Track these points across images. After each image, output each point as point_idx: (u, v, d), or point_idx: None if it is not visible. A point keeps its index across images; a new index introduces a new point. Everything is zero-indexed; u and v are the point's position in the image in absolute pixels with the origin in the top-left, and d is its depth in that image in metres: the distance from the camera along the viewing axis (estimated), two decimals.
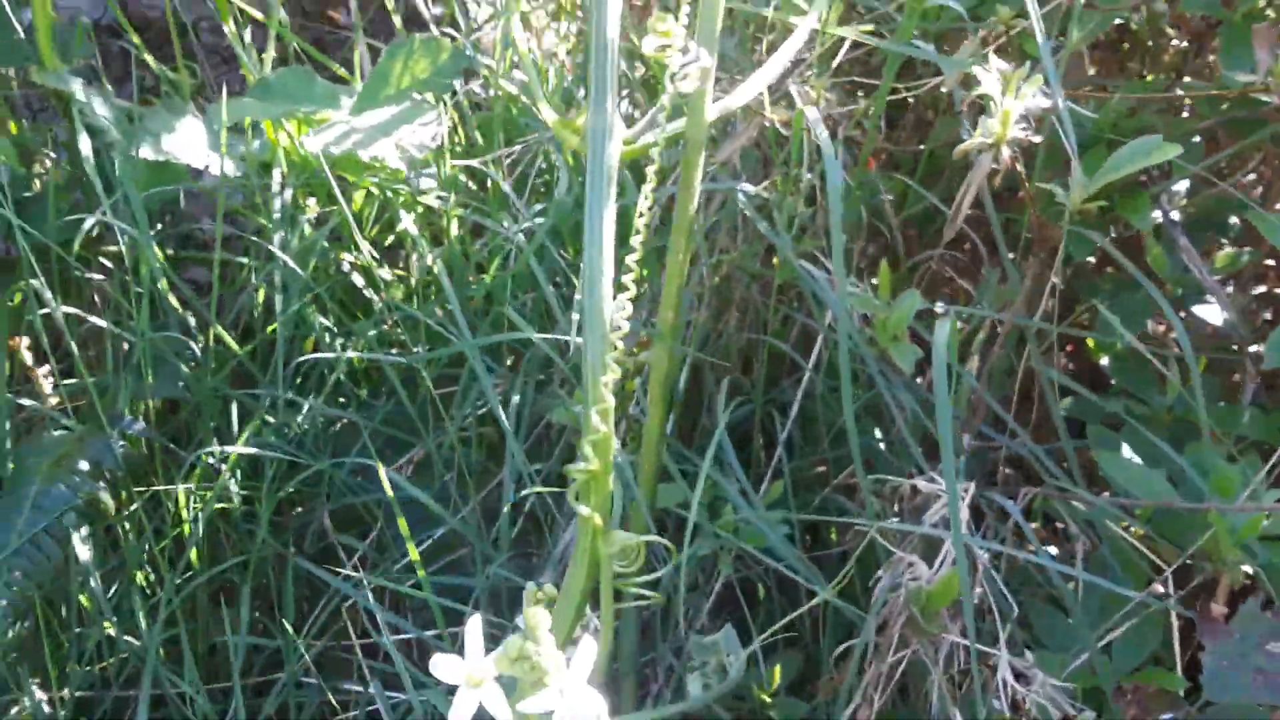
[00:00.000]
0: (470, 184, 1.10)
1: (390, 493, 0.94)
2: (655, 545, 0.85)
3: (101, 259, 1.13)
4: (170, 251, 1.28)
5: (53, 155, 1.32)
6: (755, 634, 0.84)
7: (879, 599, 0.77)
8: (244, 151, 1.13)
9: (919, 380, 0.92)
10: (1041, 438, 0.93)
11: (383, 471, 0.89)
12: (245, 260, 1.16)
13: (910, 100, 1.16)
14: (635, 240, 0.70)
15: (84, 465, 0.91)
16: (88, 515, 0.91)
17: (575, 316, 0.91)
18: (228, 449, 0.93)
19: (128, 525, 0.96)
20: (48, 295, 0.95)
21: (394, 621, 0.90)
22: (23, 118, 1.33)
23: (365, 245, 1.08)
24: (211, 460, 0.99)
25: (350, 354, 0.96)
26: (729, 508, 0.87)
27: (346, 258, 1.11)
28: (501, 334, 0.90)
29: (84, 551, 0.91)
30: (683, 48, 0.71)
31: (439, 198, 0.99)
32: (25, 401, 1.02)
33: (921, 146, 1.09)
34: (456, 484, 0.99)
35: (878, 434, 0.94)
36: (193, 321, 1.06)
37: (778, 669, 0.84)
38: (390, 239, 1.19)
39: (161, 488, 0.97)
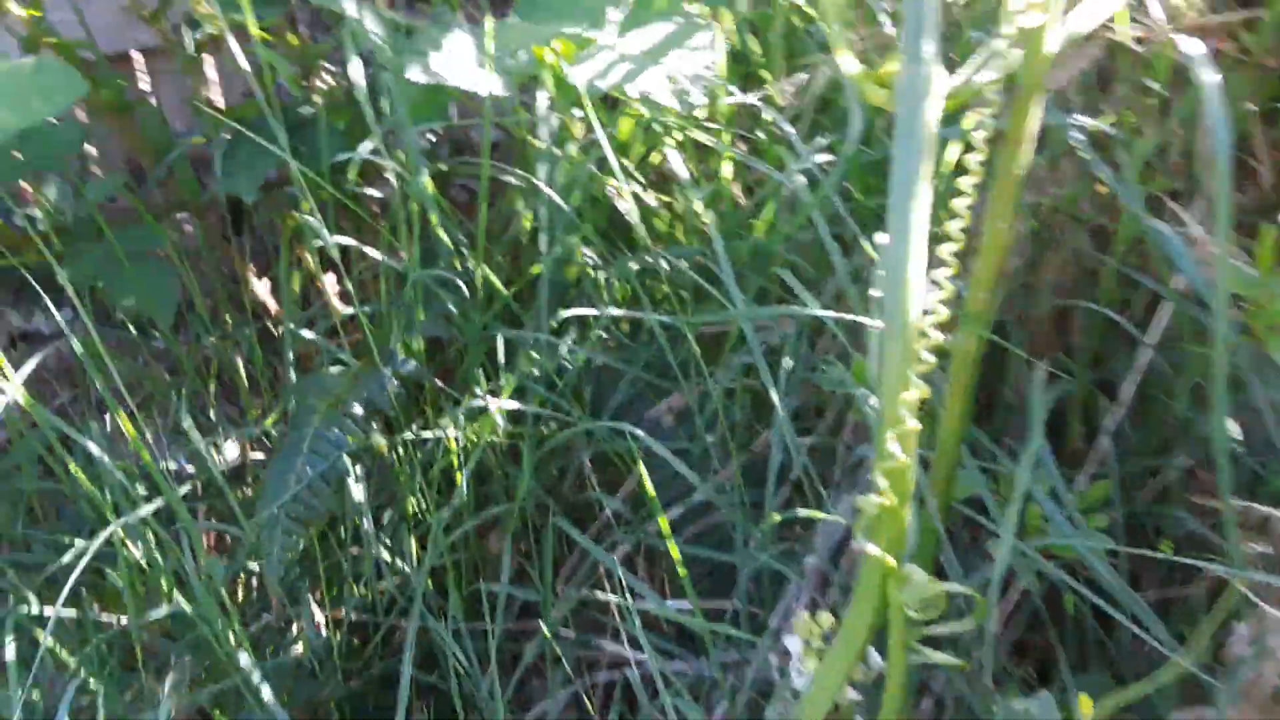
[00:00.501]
0: (740, 112, 0.98)
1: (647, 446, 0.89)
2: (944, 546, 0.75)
3: (371, 188, 1.13)
4: (443, 167, 1.27)
5: (331, 70, 1.33)
6: (1062, 659, 0.72)
7: (1238, 666, 0.63)
8: (510, 67, 1.07)
9: None
10: None
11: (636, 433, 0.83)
12: (512, 180, 1.11)
13: None
14: (960, 204, 0.57)
15: (358, 408, 0.91)
16: (361, 457, 0.92)
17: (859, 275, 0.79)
18: (492, 394, 0.90)
19: (399, 461, 0.97)
20: (319, 227, 0.95)
21: (643, 590, 0.85)
22: (300, 29, 1.34)
23: (626, 176, 1.00)
24: (478, 401, 0.97)
25: (612, 311, 0.89)
26: (1035, 511, 0.75)
27: (612, 183, 1.03)
28: (775, 307, 0.80)
29: (358, 491, 0.93)
30: None
31: (709, 131, 0.88)
32: (306, 334, 1.04)
33: None
34: (719, 443, 0.92)
35: (1237, 434, 0.76)
36: (465, 254, 1.03)
37: None
38: (658, 166, 1.11)
39: (430, 429, 0.96)
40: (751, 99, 0.86)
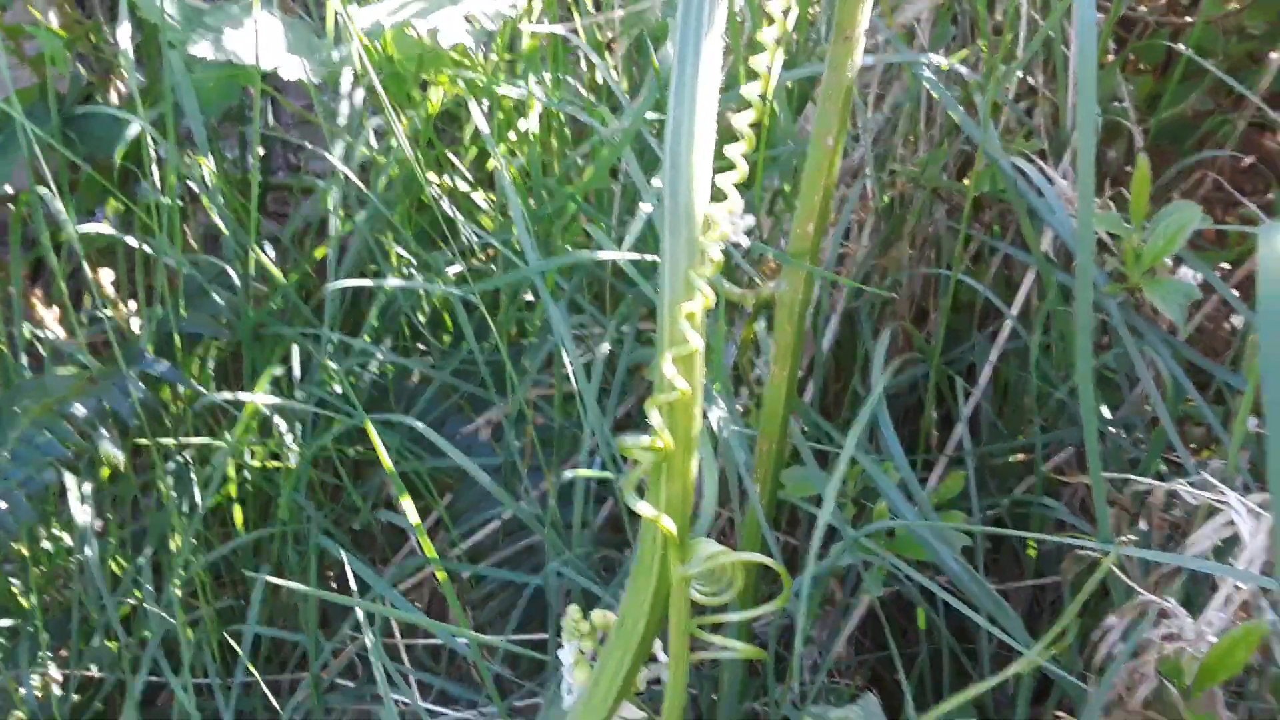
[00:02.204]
0: (575, 80, 0.87)
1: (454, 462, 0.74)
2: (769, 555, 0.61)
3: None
4: (235, 164, 1.12)
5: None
6: (908, 682, 0.59)
7: (1111, 663, 0.50)
8: (321, 50, 0.95)
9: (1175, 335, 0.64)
10: None
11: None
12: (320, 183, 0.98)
13: None
14: (743, 120, 0.45)
15: (79, 410, 0.74)
16: (82, 470, 0.75)
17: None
18: (242, 396, 0.75)
19: (150, 478, 0.80)
20: (58, 208, 0.79)
21: (436, 628, 0.69)
22: (98, 19, 1.19)
23: (448, 168, 0.88)
24: (265, 410, 0.81)
25: (390, 281, 0.75)
26: (882, 507, 0.62)
27: (432, 177, 0.91)
28: (573, 255, 0.67)
29: (81, 512, 0.75)
30: None
31: (515, 84, 0.77)
32: (45, 333, 0.87)
33: (1185, 20, 0.79)
34: (532, 454, 0.78)
35: (1105, 413, 0.66)
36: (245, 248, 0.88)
37: None
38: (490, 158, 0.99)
39: (173, 442, 0.79)
40: (560, 29, 0.75)
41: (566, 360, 0.64)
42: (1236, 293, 0.61)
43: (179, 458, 0.83)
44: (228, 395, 0.76)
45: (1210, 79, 0.80)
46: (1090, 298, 0.51)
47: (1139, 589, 0.52)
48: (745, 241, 0.50)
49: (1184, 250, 0.59)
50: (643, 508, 0.42)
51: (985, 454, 0.70)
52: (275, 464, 0.87)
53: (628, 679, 0.44)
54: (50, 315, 1.20)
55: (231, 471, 0.82)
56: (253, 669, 0.72)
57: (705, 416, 0.62)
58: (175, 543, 0.81)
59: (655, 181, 0.67)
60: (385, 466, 0.59)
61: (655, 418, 0.41)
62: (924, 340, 0.74)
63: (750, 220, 0.52)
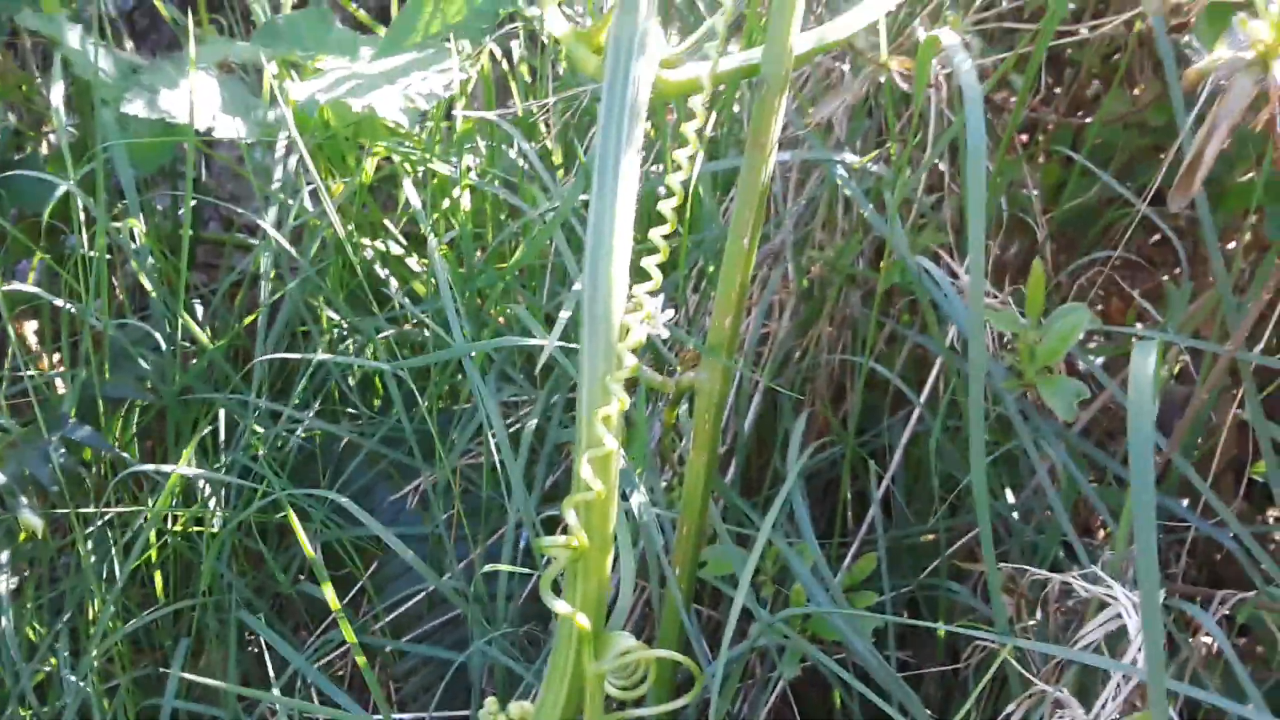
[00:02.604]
0: (513, 154, 0.89)
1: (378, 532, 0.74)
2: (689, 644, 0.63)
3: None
4: (165, 215, 1.12)
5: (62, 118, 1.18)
6: None
7: None
8: (258, 109, 0.96)
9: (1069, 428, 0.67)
10: (1244, 518, 0.67)
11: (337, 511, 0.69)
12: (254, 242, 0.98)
13: (1068, 57, 0.91)
14: (666, 206, 0.48)
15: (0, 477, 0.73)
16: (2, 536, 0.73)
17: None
18: (165, 468, 0.74)
19: (61, 545, 0.79)
20: None
21: (352, 705, 0.69)
22: (33, 73, 1.19)
23: (382, 234, 0.89)
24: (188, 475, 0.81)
25: (319, 356, 0.76)
26: (799, 589, 0.64)
27: (363, 243, 0.92)
28: (501, 339, 0.69)
29: None
30: None
31: (449, 163, 0.79)
32: None
33: (1086, 119, 0.84)
34: (460, 525, 0.79)
35: (1009, 497, 0.69)
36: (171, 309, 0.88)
37: None
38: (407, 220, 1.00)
39: (93, 510, 0.79)
40: (491, 116, 0.77)
41: (495, 428, 0.66)
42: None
43: (98, 523, 0.82)
44: (150, 466, 0.75)
45: (1112, 170, 0.85)
46: (980, 403, 0.54)
47: (1035, 680, 0.54)
48: (665, 334, 0.52)
49: (1080, 352, 0.62)
50: (559, 605, 0.43)
51: (898, 535, 0.72)
52: (198, 529, 0.86)
53: None
54: None
55: (152, 537, 0.81)
56: None
57: (626, 499, 0.63)
58: (93, 610, 0.80)
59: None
60: (305, 551, 0.59)
61: (571, 518, 0.43)
62: (840, 424, 0.76)
63: (670, 313, 0.54)
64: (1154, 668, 0.44)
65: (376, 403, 0.96)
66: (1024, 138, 0.90)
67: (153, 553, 0.82)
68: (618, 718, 0.45)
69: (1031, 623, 0.58)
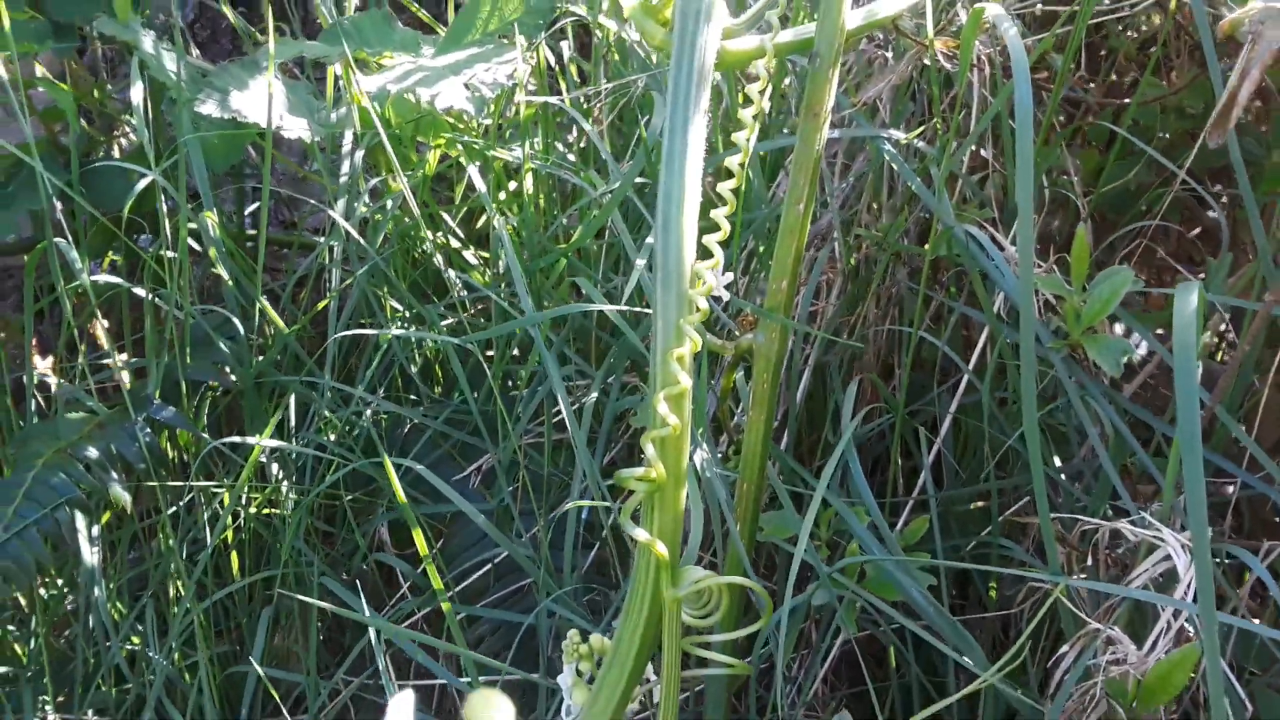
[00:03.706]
0: (563, 146, 0.93)
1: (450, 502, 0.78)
2: (752, 592, 0.65)
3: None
4: (231, 217, 1.17)
5: (133, 125, 1.24)
6: (881, 716, 0.63)
7: (1064, 688, 0.55)
8: (321, 111, 1.00)
9: (1119, 391, 0.69)
10: None
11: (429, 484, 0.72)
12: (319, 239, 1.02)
13: (1104, 50, 0.93)
14: (734, 161, 0.51)
15: (92, 453, 0.78)
16: (93, 510, 0.78)
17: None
18: (249, 440, 0.78)
19: (152, 523, 0.83)
20: (74, 257, 0.83)
21: (433, 666, 0.72)
22: (104, 78, 1.24)
23: (441, 226, 0.93)
24: (261, 458, 0.85)
25: (393, 331, 0.80)
26: (854, 547, 0.67)
27: (426, 235, 0.96)
28: (567, 307, 0.72)
29: (90, 554, 0.78)
30: None
31: (510, 150, 0.83)
32: (52, 380, 0.90)
33: (1125, 100, 0.86)
34: (524, 499, 0.82)
35: (1056, 462, 0.71)
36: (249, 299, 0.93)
37: None
38: (478, 215, 1.04)
39: (180, 484, 0.83)
40: (553, 100, 0.81)
41: (561, 401, 0.69)
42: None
43: (180, 503, 0.87)
44: (234, 439, 0.79)
45: (1147, 158, 0.87)
46: (1034, 359, 0.57)
47: (1088, 619, 0.57)
48: (726, 295, 0.56)
49: (1124, 313, 0.65)
50: (639, 533, 0.46)
51: (949, 501, 0.75)
52: (272, 510, 0.90)
53: (624, 696, 0.48)
54: (45, 364, 1.24)
55: (229, 520, 0.85)
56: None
57: (690, 458, 0.66)
58: (175, 589, 0.84)
59: (643, 240, 0.73)
60: (397, 495, 0.63)
61: (649, 450, 0.46)
62: (890, 394, 0.79)
63: (730, 277, 0.57)
64: (1205, 597, 0.46)
65: (438, 390, 1.00)
66: (1063, 119, 0.92)
67: (228, 534, 0.86)
68: (694, 640, 0.48)
69: (1082, 575, 0.60)
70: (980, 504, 0.75)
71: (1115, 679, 0.53)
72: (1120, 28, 0.86)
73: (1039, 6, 0.81)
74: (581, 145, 0.82)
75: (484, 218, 1.06)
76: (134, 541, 0.87)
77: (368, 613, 0.82)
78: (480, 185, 0.80)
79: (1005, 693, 0.58)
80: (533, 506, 0.82)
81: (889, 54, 0.83)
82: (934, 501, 0.70)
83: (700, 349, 0.46)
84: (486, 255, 1.00)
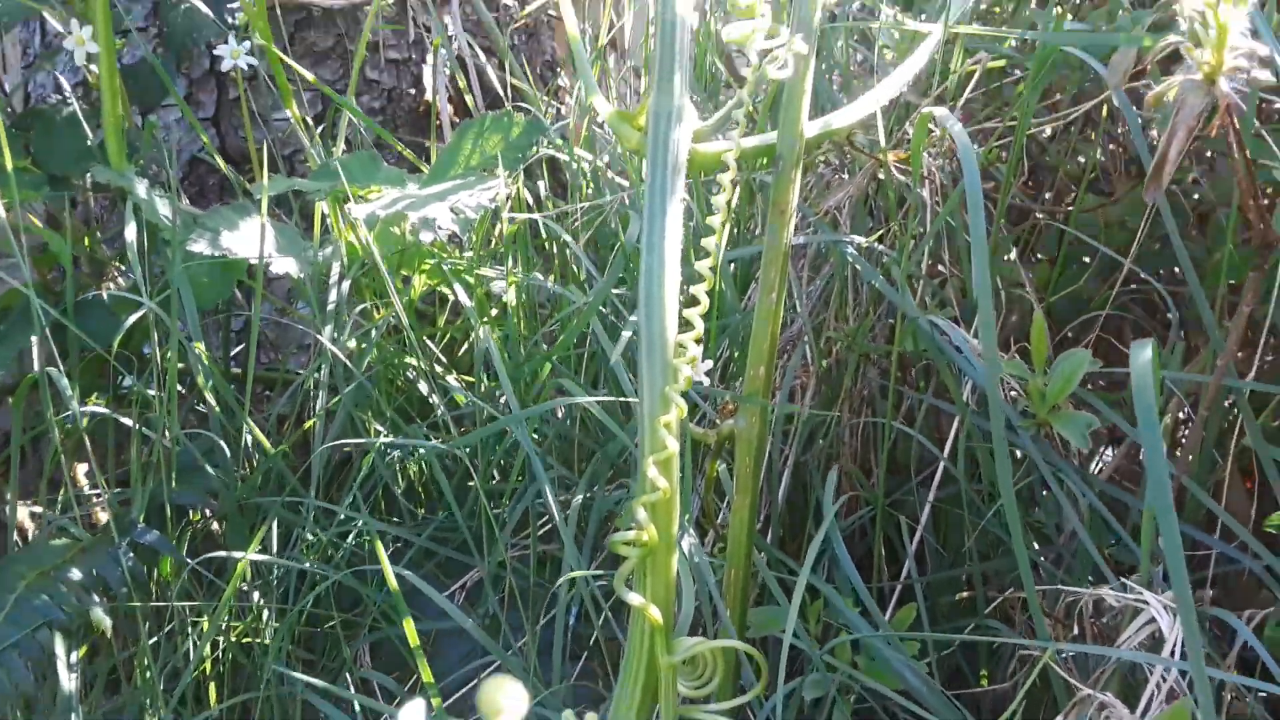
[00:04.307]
0: (541, 274, 0.97)
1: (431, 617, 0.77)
2: (744, 669, 0.65)
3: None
4: (219, 351, 1.20)
5: (121, 270, 1.28)
6: None
7: None
8: (308, 249, 1.05)
9: (1096, 470, 0.72)
10: (1263, 539, 0.71)
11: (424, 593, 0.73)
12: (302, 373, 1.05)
13: (1046, 159, 1.00)
14: (710, 242, 0.54)
15: (76, 575, 0.77)
16: (75, 634, 0.77)
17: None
18: (235, 555, 0.78)
19: (123, 655, 0.81)
20: (64, 385, 0.85)
21: None
22: (95, 228, 1.29)
23: (421, 349, 0.96)
24: (242, 584, 0.84)
25: (382, 440, 0.81)
26: (843, 635, 0.67)
27: (410, 361, 0.99)
28: (550, 402, 0.74)
29: (68, 679, 0.76)
30: (771, 31, 0.58)
31: (494, 264, 0.86)
32: (36, 509, 0.90)
33: (1068, 208, 0.92)
34: (510, 609, 0.81)
35: (1035, 547, 0.72)
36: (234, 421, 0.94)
37: None
38: (460, 343, 1.07)
39: (161, 604, 0.82)
40: (536, 216, 0.85)
41: (547, 497, 0.70)
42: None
43: (161, 631, 0.85)
44: (220, 554, 0.79)
45: (1096, 265, 0.92)
46: (1003, 438, 0.59)
47: (1079, 685, 0.57)
48: (706, 380, 0.58)
49: (1084, 392, 0.68)
50: (633, 598, 0.47)
51: (933, 591, 0.75)
52: (252, 640, 0.89)
53: None
54: (24, 511, 1.23)
55: (207, 649, 0.84)
56: None
57: (678, 543, 0.67)
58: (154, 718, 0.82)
59: (622, 338, 0.75)
60: (390, 584, 0.63)
61: (640, 514, 0.47)
62: (869, 486, 0.81)
63: (709, 364, 0.60)
64: (1194, 653, 0.48)
65: (421, 511, 1.00)
66: (1011, 225, 0.98)
67: (206, 665, 0.84)
68: (691, 710, 0.48)
69: (1070, 645, 0.61)
70: (966, 594, 0.76)
71: None
72: (1057, 144, 0.93)
73: (982, 121, 0.87)
74: (559, 264, 0.86)
75: (465, 345, 1.09)
76: (112, 671, 0.85)
77: None
78: (465, 299, 0.83)
79: None
80: (521, 619, 0.81)
81: (845, 175, 0.89)
82: (919, 587, 0.71)
83: (684, 413, 0.49)
84: (470, 379, 1.03)
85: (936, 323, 0.71)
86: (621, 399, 0.73)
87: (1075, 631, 0.61)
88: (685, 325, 0.52)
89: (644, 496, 0.48)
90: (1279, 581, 0.64)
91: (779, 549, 0.81)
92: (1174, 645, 0.55)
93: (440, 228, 0.82)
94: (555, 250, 0.88)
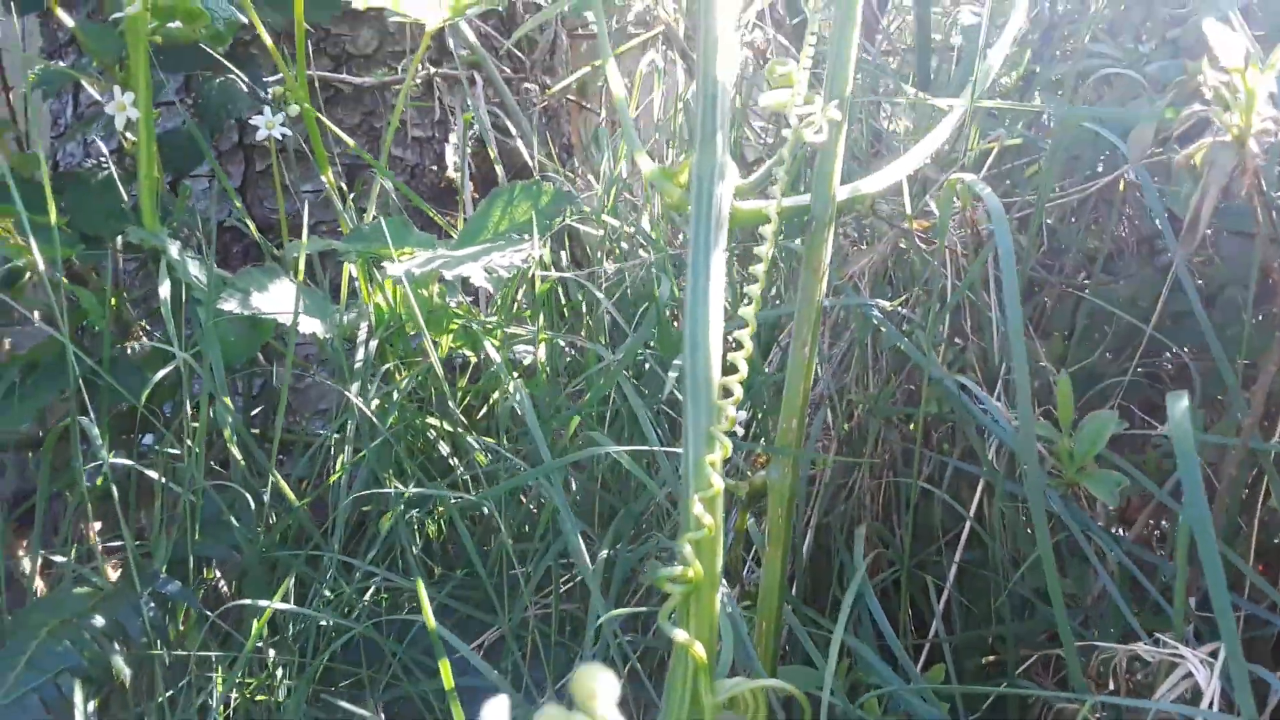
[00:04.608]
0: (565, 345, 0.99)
1: (449, 680, 0.77)
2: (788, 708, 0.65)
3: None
4: (240, 413, 1.21)
5: (148, 331, 1.29)
6: None
7: None
8: (333, 313, 1.07)
9: (1118, 532, 0.72)
10: None
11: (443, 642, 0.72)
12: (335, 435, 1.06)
13: (1058, 241, 1.02)
14: (753, 289, 0.56)
15: (99, 622, 0.77)
16: (95, 681, 0.76)
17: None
18: (261, 603, 0.78)
19: (140, 703, 0.81)
20: (94, 433, 0.86)
21: None
22: (123, 289, 1.31)
23: (447, 415, 0.97)
24: (259, 644, 0.84)
25: (407, 490, 0.82)
26: (872, 692, 0.67)
27: (431, 422, 1.00)
28: (582, 451, 0.75)
29: None
30: (806, 98, 0.61)
31: (524, 319, 0.88)
32: (57, 558, 0.90)
33: (1084, 281, 0.94)
34: (533, 667, 0.81)
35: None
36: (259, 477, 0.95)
37: None
38: (478, 409, 1.08)
39: (183, 653, 0.81)
40: (568, 275, 0.87)
41: (580, 547, 0.70)
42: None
43: (179, 684, 0.84)
44: (243, 601, 0.79)
45: (1111, 340, 0.94)
46: (1041, 491, 0.60)
47: None
48: (740, 431, 0.59)
49: (1110, 455, 0.69)
50: (678, 634, 0.47)
51: (961, 654, 0.75)
52: (266, 697, 0.88)
53: None
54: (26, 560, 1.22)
55: (220, 709, 0.83)
56: None
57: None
58: None
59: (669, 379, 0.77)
60: (429, 624, 0.63)
61: (686, 550, 0.48)
62: (896, 543, 0.81)
63: (744, 414, 0.61)
64: (1241, 683, 0.48)
65: (438, 572, 1.00)
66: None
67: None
68: None
69: (1108, 697, 0.61)
70: (993, 657, 0.76)
71: None
72: (1069, 226, 0.96)
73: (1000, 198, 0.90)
74: (586, 325, 0.88)
75: (483, 410, 1.10)
76: None
77: None
78: (494, 355, 0.85)
79: None
80: (544, 675, 0.81)
81: (862, 246, 0.92)
82: (948, 647, 0.71)
83: (729, 453, 0.50)
84: (491, 440, 1.04)
85: (964, 384, 0.72)
86: (649, 448, 0.74)
87: (1110, 688, 0.61)
88: (729, 369, 0.54)
89: (689, 534, 0.48)
90: None
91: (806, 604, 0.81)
92: (1211, 699, 0.55)
93: (474, 285, 0.83)
94: (584, 310, 0.90)
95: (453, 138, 1.48)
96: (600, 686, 0.27)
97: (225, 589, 0.93)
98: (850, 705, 0.67)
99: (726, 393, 0.51)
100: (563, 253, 1.14)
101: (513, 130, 1.37)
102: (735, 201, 0.60)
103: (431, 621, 0.60)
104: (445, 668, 0.58)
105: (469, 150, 1.45)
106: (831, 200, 0.65)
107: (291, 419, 1.42)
